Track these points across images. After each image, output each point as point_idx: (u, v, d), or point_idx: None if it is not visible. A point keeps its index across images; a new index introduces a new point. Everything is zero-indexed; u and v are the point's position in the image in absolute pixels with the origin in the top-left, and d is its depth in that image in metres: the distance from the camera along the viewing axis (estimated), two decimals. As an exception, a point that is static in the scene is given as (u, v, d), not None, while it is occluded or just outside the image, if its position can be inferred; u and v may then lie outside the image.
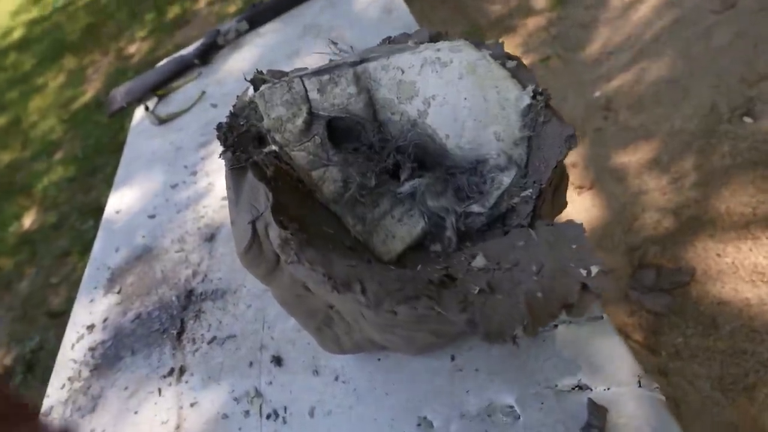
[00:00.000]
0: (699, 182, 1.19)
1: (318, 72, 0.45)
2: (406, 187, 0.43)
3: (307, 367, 0.54)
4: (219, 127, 0.42)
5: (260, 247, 0.38)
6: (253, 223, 0.37)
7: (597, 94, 1.52)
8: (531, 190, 0.40)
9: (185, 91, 1.07)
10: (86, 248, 2.11)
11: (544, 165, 0.41)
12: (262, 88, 0.45)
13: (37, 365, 1.78)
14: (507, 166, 0.41)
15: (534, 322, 0.30)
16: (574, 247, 0.34)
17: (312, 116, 0.45)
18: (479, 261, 0.35)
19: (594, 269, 0.32)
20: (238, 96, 0.48)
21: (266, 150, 0.41)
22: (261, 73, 0.46)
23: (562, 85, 1.62)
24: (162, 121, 1.01)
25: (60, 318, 1.90)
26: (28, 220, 2.38)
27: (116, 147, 2.28)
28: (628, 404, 0.39)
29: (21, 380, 1.75)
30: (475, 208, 0.41)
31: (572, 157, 1.39)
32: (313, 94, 0.45)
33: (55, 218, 2.29)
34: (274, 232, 0.34)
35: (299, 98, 0.45)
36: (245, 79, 0.49)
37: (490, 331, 0.29)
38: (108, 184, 2.24)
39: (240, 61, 1.06)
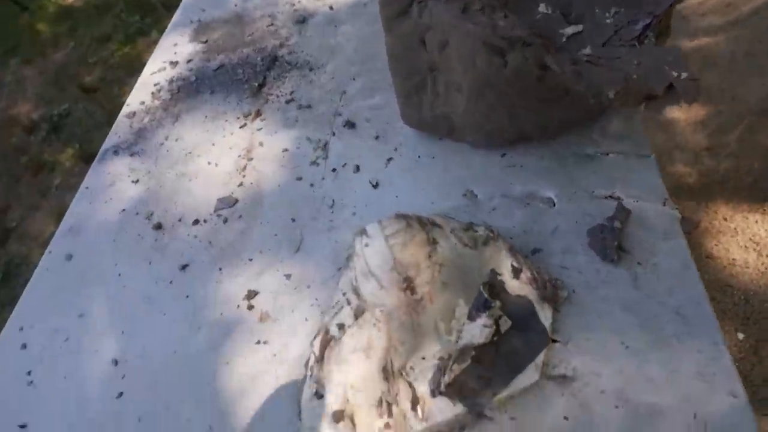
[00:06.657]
0: (734, 153, 1.23)
1: None
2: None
3: (375, 134, 0.60)
4: None
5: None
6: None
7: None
8: (647, 18, 0.45)
9: None
10: (129, 39, 2.12)
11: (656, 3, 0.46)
12: None
13: (63, 129, 1.85)
14: None
15: (626, 94, 0.37)
16: (670, 58, 0.40)
17: None
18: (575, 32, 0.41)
19: (684, 74, 0.38)
20: None
21: None
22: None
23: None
24: None
25: (91, 94, 1.96)
26: (71, -6, 2.35)
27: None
28: (650, 216, 0.46)
29: (44, 137, 1.84)
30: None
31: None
32: None
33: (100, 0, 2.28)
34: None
35: None
36: None
37: (591, 84, 0.36)
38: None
39: None
